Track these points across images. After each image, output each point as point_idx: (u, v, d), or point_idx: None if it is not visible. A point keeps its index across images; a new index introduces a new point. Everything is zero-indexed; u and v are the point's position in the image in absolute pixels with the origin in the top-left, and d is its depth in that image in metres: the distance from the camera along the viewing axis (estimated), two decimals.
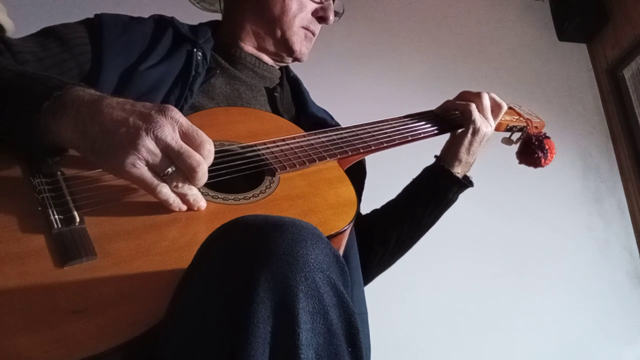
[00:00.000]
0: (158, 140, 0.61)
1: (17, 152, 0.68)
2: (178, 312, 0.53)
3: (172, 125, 0.62)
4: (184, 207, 0.66)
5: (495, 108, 1.06)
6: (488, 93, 1.06)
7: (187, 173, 0.63)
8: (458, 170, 1.03)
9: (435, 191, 1.03)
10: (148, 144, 0.60)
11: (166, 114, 0.62)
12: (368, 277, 1.07)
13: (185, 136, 0.63)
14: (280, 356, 0.47)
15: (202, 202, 0.68)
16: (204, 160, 0.63)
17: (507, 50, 2.76)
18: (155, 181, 0.62)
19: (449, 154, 1.04)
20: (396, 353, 2.01)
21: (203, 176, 0.64)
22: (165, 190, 0.64)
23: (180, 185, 0.64)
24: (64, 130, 0.63)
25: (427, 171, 1.06)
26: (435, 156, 1.07)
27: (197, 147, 0.63)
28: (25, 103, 0.64)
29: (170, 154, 0.62)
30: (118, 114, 0.62)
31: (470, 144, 1.02)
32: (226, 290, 0.50)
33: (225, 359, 0.47)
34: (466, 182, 1.04)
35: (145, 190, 0.64)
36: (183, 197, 0.66)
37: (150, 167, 0.62)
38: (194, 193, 0.66)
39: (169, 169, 0.62)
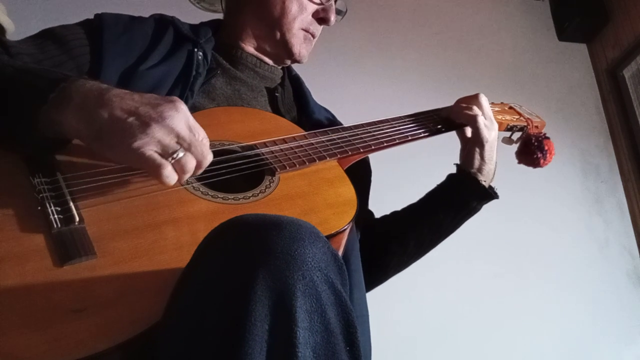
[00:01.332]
0: (169, 130, 0.61)
1: (20, 146, 0.68)
2: (176, 310, 0.53)
3: (181, 117, 0.63)
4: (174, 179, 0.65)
5: (475, 101, 1.05)
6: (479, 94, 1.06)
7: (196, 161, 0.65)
8: (482, 179, 1.03)
9: (458, 198, 1.03)
10: (158, 132, 0.61)
11: (176, 105, 0.63)
12: (383, 278, 1.08)
13: (190, 130, 0.64)
14: (278, 354, 0.48)
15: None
16: (210, 153, 0.65)
17: (507, 50, 2.76)
18: (163, 161, 0.62)
19: (468, 167, 1.03)
20: (397, 355, 2.00)
21: (205, 166, 0.66)
22: (170, 169, 0.63)
23: (186, 170, 0.64)
24: (69, 120, 0.63)
25: (451, 178, 1.06)
26: (456, 164, 1.06)
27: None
28: (29, 96, 0.64)
29: (181, 144, 0.63)
30: (127, 102, 0.62)
31: (482, 155, 1.02)
32: (224, 288, 0.50)
33: (223, 357, 0.48)
34: (492, 193, 1.04)
35: (150, 170, 0.62)
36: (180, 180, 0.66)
37: (159, 153, 0.62)
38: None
39: (179, 154, 0.62)
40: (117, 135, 0.61)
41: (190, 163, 0.63)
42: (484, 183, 1.03)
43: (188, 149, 0.63)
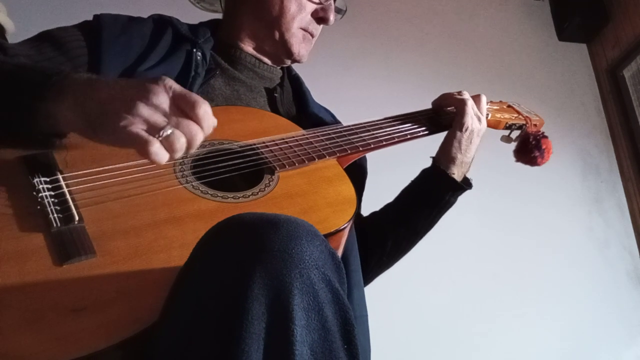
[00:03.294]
0: (155, 107, 0.61)
1: (17, 139, 0.68)
2: (174, 309, 0.53)
3: (167, 92, 0.62)
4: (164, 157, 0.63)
5: (476, 99, 1.05)
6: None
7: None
8: (454, 171, 1.01)
9: (430, 194, 1.02)
10: (143, 110, 0.60)
11: (159, 82, 0.62)
12: (366, 278, 1.06)
13: (180, 98, 0.62)
14: (275, 352, 0.48)
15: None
16: (200, 129, 0.63)
17: (507, 50, 2.76)
18: (150, 138, 0.60)
19: (443, 156, 1.02)
20: (397, 355, 2.00)
21: (198, 144, 0.64)
22: (157, 145, 0.61)
23: (175, 148, 0.62)
24: (64, 112, 0.63)
25: (424, 173, 1.05)
26: (432, 157, 1.05)
27: (191, 107, 0.62)
28: (25, 90, 0.65)
29: (169, 120, 0.61)
30: (114, 88, 0.63)
31: (460, 142, 1.01)
32: (221, 287, 0.50)
33: (220, 355, 0.48)
34: (463, 184, 1.02)
35: (138, 148, 0.61)
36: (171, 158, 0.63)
37: (146, 130, 0.61)
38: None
39: (166, 130, 0.61)
40: (105, 120, 0.61)
41: (180, 140, 0.61)
42: (453, 176, 1.01)
43: (176, 125, 0.61)
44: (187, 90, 0.63)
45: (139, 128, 0.59)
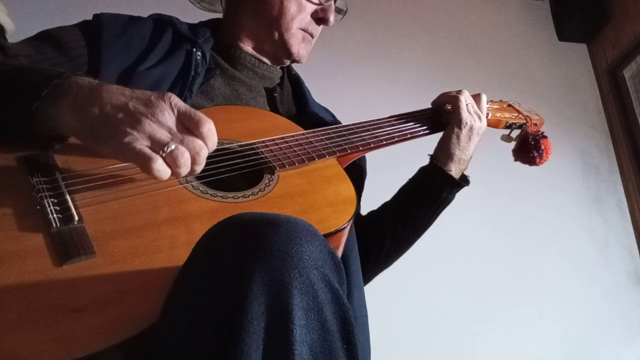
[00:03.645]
0: (160, 124, 0.61)
1: (16, 140, 0.68)
2: (173, 309, 0.53)
3: (172, 110, 0.62)
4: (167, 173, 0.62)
5: (476, 98, 1.05)
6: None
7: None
8: (451, 168, 1.01)
9: (428, 191, 1.01)
10: (148, 126, 0.60)
11: (165, 99, 0.63)
12: (365, 278, 1.06)
13: (184, 116, 0.63)
14: (274, 352, 0.48)
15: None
16: (205, 146, 0.63)
17: (507, 50, 2.76)
18: (153, 155, 0.60)
19: (441, 152, 1.02)
20: (397, 356, 2.00)
21: (203, 161, 0.64)
22: (160, 162, 0.61)
23: (179, 164, 0.62)
24: (63, 116, 0.63)
25: (421, 171, 1.05)
26: (429, 155, 1.05)
27: (196, 124, 0.62)
28: (24, 91, 0.65)
29: (173, 137, 0.62)
30: (118, 98, 0.62)
31: (459, 138, 1.01)
32: (221, 286, 0.50)
33: (219, 355, 0.48)
34: (460, 181, 1.02)
35: (141, 165, 0.61)
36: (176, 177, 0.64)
37: (149, 147, 0.61)
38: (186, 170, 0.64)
39: (170, 146, 0.61)
40: (108, 132, 0.60)
41: (184, 156, 0.61)
42: (450, 172, 1.01)
43: (180, 141, 0.61)
44: (194, 109, 0.64)
45: (142, 145, 0.60)
